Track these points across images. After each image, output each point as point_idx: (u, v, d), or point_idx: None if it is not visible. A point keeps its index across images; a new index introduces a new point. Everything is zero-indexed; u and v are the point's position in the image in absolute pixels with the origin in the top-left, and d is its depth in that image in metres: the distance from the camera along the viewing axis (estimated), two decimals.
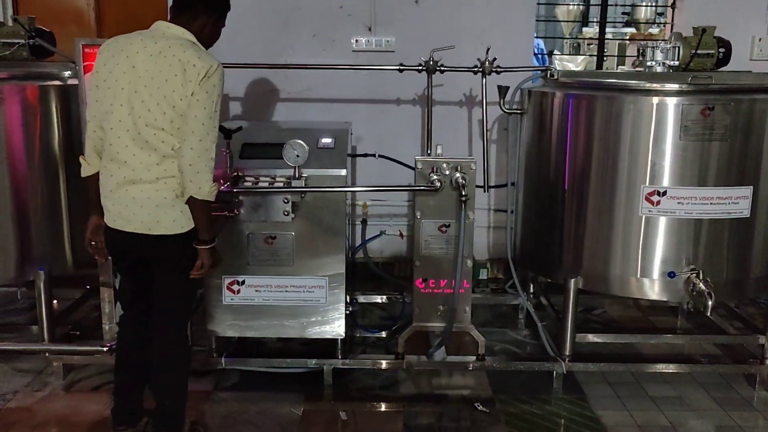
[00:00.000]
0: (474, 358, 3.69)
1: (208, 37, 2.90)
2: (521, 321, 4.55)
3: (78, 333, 3.96)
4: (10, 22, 5.05)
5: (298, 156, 3.33)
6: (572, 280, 3.64)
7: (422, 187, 3.35)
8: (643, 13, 12.55)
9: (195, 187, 2.66)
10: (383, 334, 4.16)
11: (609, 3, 5.95)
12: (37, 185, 3.62)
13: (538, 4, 5.59)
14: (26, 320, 4.38)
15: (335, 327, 3.64)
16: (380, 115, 5.20)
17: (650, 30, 13.00)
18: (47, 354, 3.65)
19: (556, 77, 3.77)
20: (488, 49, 4.01)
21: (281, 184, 3.40)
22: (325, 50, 5.13)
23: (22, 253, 3.61)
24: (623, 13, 11.88)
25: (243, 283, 3.59)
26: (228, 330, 3.64)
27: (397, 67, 4.16)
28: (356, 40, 5.09)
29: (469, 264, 3.56)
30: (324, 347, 3.75)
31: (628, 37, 10.71)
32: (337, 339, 3.68)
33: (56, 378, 3.68)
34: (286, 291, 3.60)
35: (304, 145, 3.32)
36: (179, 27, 2.79)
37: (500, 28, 5.07)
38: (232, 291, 3.60)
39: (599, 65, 5.57)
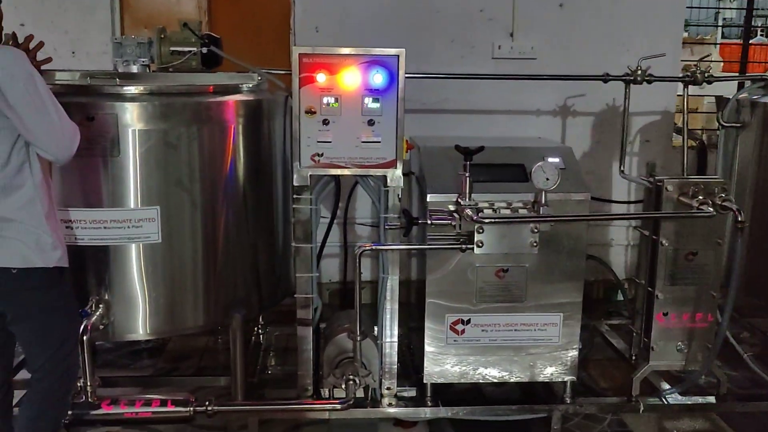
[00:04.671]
0: (713, 398, 3.35)
1: None
2: None
3: (255, 380, 3.49)
4: (118, 32, 4.58)
5: (548, 179, 2.93)
6: None
7: (702, 213, 2.98)
8: None
9: None
10: None
11: None
12: (226, 217, 3.14)
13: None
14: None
15: (567, 368, 3.26)
16: (518, 126, 4.83)
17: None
18: (246, 410, 3.15)
19: None
20: (702, 57, 3.69)
21: (525, 212, 3.01)
22: (463, 57, 4.74)
23: (215, 296, 3.12)
24: None
25: (468, 322, 3.18)
26: (449, 374, 3.23)
27: (602, 77, 3.79)
28: (499, 46, 4.72)
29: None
30: (528, 390, 3.42)
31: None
32: (566, 381, 3.30)
33: None
34: (515, 330, 3.21)
35: (556, 167, 2.93)
36: None
37: (646, 34, 4.76)
38: (456, 331, 3.19)
39: (743, 70, 5.31)
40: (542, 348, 3.23)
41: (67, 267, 2.49)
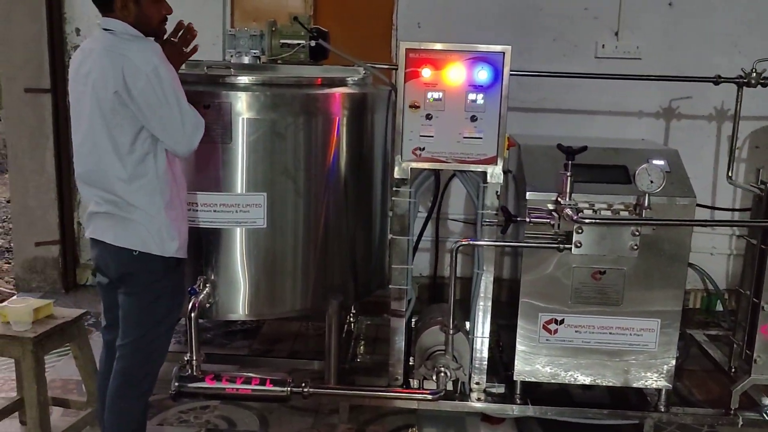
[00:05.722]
0: None
1: None
2: None
3: (346, 366, 3.57)
4: (228, 24, 4.76)
5: (652, 182, 2.87)
6: None
7: None
8: None
9: None
10: None
11: None
12: (327, 206, 3.23)
13: None
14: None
15: (663, 375, 3.19)
16: (618, 127, 4.74)
17: None
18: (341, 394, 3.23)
19: None
20: None
21: (626, 214, 2.96)
22: (565, 56, 4.69)
23: (313, 282, 3.22)
24: None
25: (562, 322, 3.16)
26: (539, 373, 3.22)
27: (713, 79, 3.67)
28: (603, 45, 4.64)
29: None
30: (617, 395, 3.39)
31: None
32: (660, 389, 3.23)
33: (340, 420, 3.29)
34: (610, 333, 3.16)
35: (661, 170, 2.87)
36: None
37: (762, 36, 4.58)
38: (549, 330, 3.17)
39: None
40: (637, 354, 3.17)
41: (185, 258, 2.61)
